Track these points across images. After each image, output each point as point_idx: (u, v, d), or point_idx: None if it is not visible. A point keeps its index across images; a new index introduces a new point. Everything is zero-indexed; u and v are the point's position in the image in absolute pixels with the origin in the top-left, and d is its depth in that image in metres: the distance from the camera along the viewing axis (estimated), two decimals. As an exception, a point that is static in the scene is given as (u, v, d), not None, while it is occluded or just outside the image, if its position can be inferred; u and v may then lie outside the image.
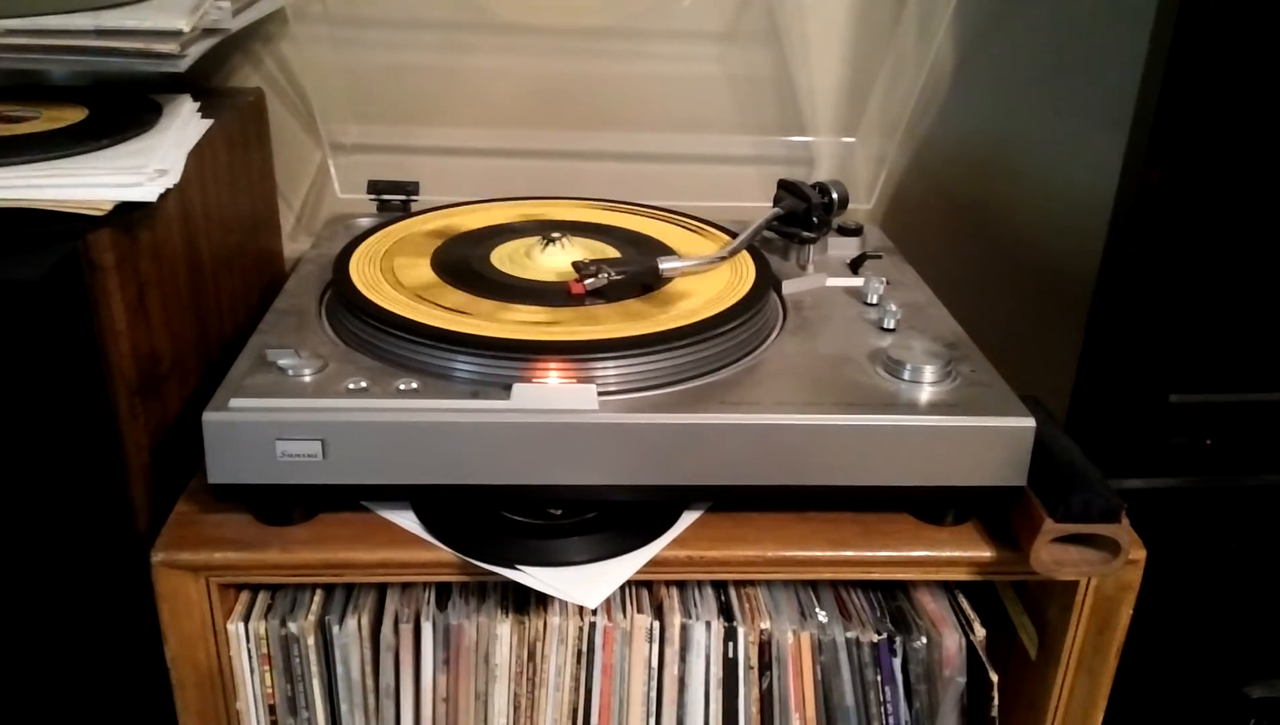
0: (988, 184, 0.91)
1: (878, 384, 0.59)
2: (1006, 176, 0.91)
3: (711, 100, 0.90)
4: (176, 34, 0.60)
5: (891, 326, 0.66)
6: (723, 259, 0.68)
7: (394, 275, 0.66)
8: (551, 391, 0.56)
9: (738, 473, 0.57)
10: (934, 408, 0.57)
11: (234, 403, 0.54)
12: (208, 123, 0.69)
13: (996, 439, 0.57)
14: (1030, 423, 0.56)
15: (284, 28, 0.85)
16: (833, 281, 0.73)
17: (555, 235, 0.69)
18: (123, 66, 0.60)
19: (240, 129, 0.80)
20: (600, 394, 0.56)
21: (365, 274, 0.66)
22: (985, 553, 0.58)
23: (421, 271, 0.67)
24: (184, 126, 0.65)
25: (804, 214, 0.74)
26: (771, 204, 0.77)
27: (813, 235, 0.73)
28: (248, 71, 0.89)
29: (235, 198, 0.77)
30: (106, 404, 0.56)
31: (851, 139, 0.91)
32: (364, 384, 0.56)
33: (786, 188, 0.76)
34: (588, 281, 0.63)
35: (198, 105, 0.70)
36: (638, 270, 0.65)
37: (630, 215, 0.79)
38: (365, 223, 0.81)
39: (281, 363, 0.57)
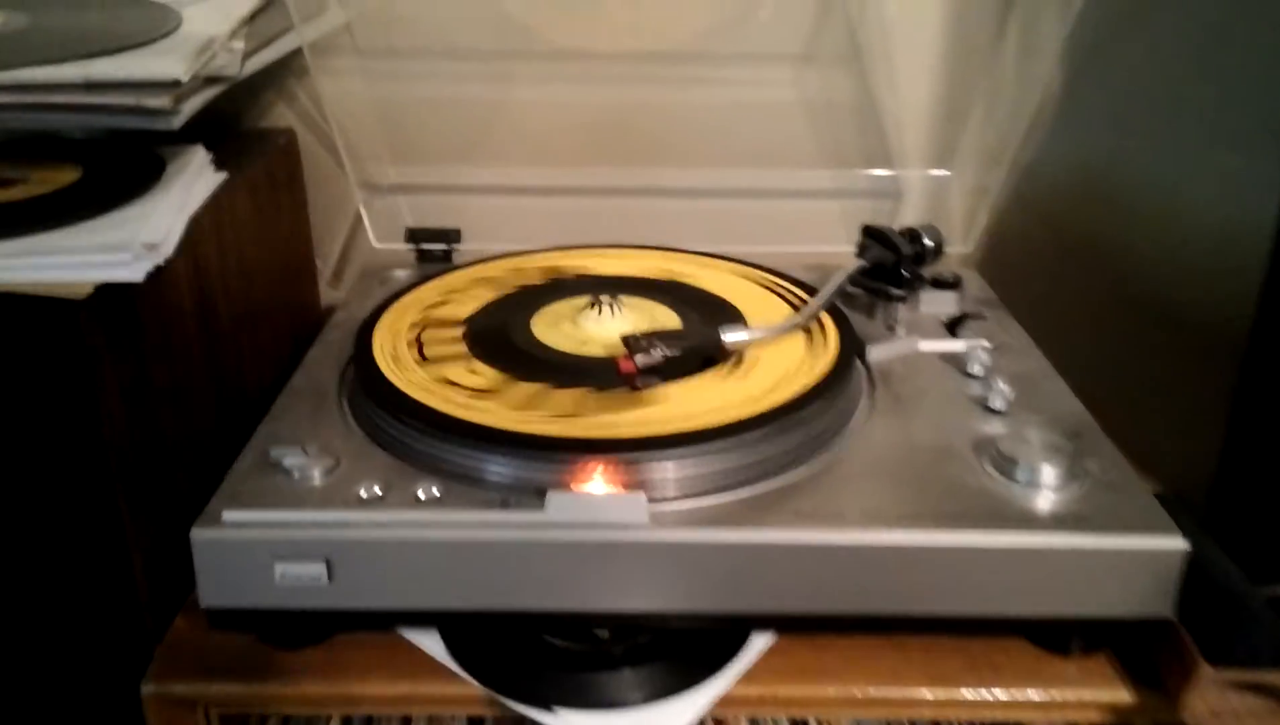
0: (1105, 221, 0.80)
1: (987, 487, 0.49)
2: (1128, 212, 0.79)
3: (785, 130, 0.81)
4: (171, 85, 0.53)
5: (1000, 407, 0.56)
6: (798, 326, 0.58)
7: (422, 348, 0.58)
8: (593, 501, 0.47)
9: (817, 598, 0.47)
10: (1058, 522, 0.47)
11: (228, 516, 0.47)
12: (220, 176, 0.62)
13: (1137, 563, 0.46)
14: (1180, 545, 0.46)
15: (323, 61, 0.78)
16: (927, 345, 0.63)
17: (604, 299, 0.60)
18: (112, 125, 0.53)
19: (267, 174, 0.73)
20: (652, 501, 0.47)
21: (390, 349, 0.58)
22: (1122, 694, 0.48)
23: (452, 343, 0.59)
24: (190, 185, 0.58)
25: (892, 267, 0.64)
26: (856, 252, 0.68)
27: (902, 293, 0.63)
28: (280, 109, 0.82)
29: (262, 249, 0.71)
30: (108, 499, 0.49)
31: (945, 172, 0.81)
32: (378, 490, 0.48)
33: (873, 236, 0.67)
34: (639, 359, 0.54)
35: (210, 156, 0.63)
36: (697, 344, 0.56)
37: (692, 265, 0.70)
38: (401, 277, 0.74)
39: (287, 463, 0.50)
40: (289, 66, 0.79)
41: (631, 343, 0.55)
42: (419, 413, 0.51)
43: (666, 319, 0.62)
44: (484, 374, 0.55)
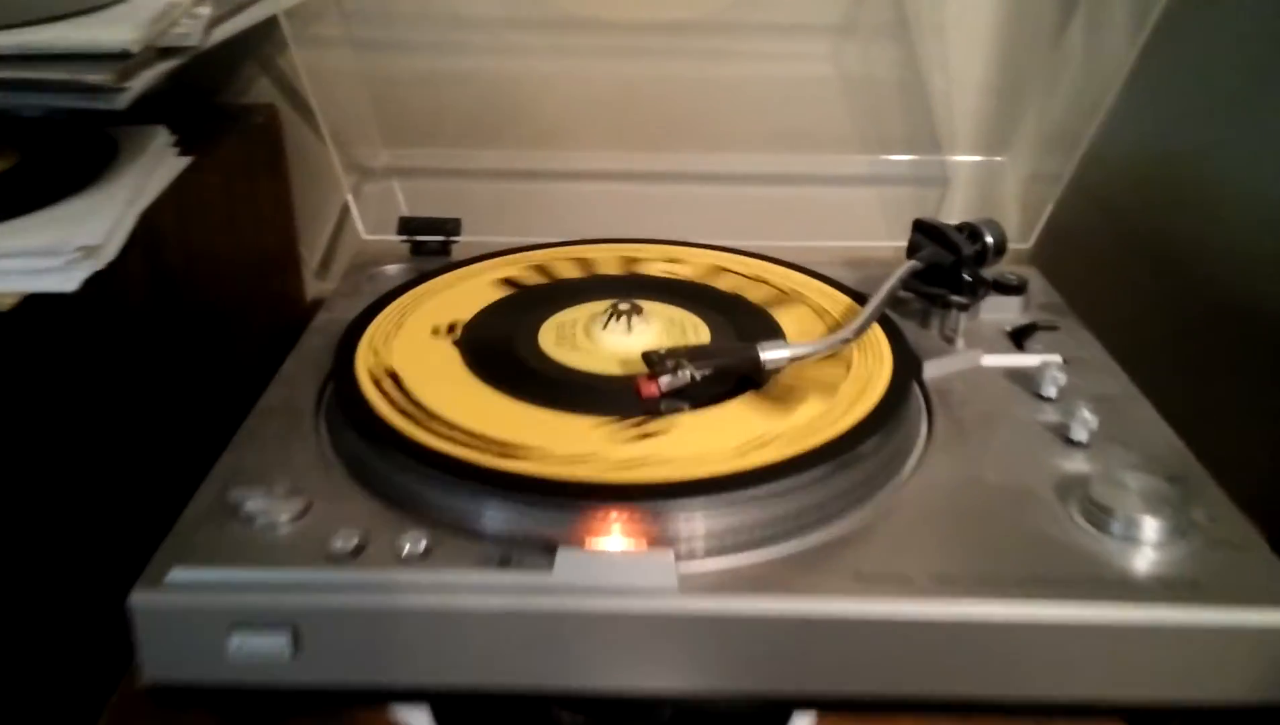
0: (1179, 217, 0.71)
1: (1077, 542, 0.42)
2: (1207, 207, 0.70)
3: (821, 110, 0.72)
4: (119, 57, 0.45)
5: (1083, 438, 0.48)
6: (846, 342, 0.50)
7: (411, 362, 0.50)
8: (611, 561, 0.40)
9: (875, 677, 0.40)
10: (1166, 589, 0.39)
11: (175, 575, 0.39)
12: (185, 161, 0.54)
13: (1262, 641, 0.39)
14: (1320, 622, 0.38)
15: (303, 29, 0.70)
16: (990, 360, 0.55)
17: (622, 307, 0.52)
18: (50, 103, 0.45)
19: (244, 155, 0.65)
20: (679, 558, 0.40)
21: (374, 364, 0.50)
22: (1235, 792, 0.40)
23: (446, 359, 0.51)
24: (146, 173, 0.50)
25: (950, 269, 0.56)
26: (906, 250, 0.60)
27: (964, 301, 0.55)
28: (263, 83, 0.74)
29: (237, 240, 0.63)
30: (41, 554, 0.42)
31: (1000, 158, 0.72)
32: (356, 541, 0.41)
33: (926, 232, 0.58)
34: (663, 381, 0.46)
35: (174, 138, 0.55)
36: (731, 363, 0.48)
37: (723, 266, 0.62)
38: (391, 273, 0.66)
39: (248, 508, 0.42)
40: (269, 35, 0.71)
41: (654, 361, 0.47)
42: (403, 446, 0.43)
43: (694, 329, 0.54)
44: (483, 396, 0.48)
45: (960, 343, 0.55)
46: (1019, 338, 0.56)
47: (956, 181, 0.74)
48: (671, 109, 0.73)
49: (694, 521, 0.41)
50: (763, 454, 0.43)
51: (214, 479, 0.45)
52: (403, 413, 0.46)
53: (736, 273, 0.61)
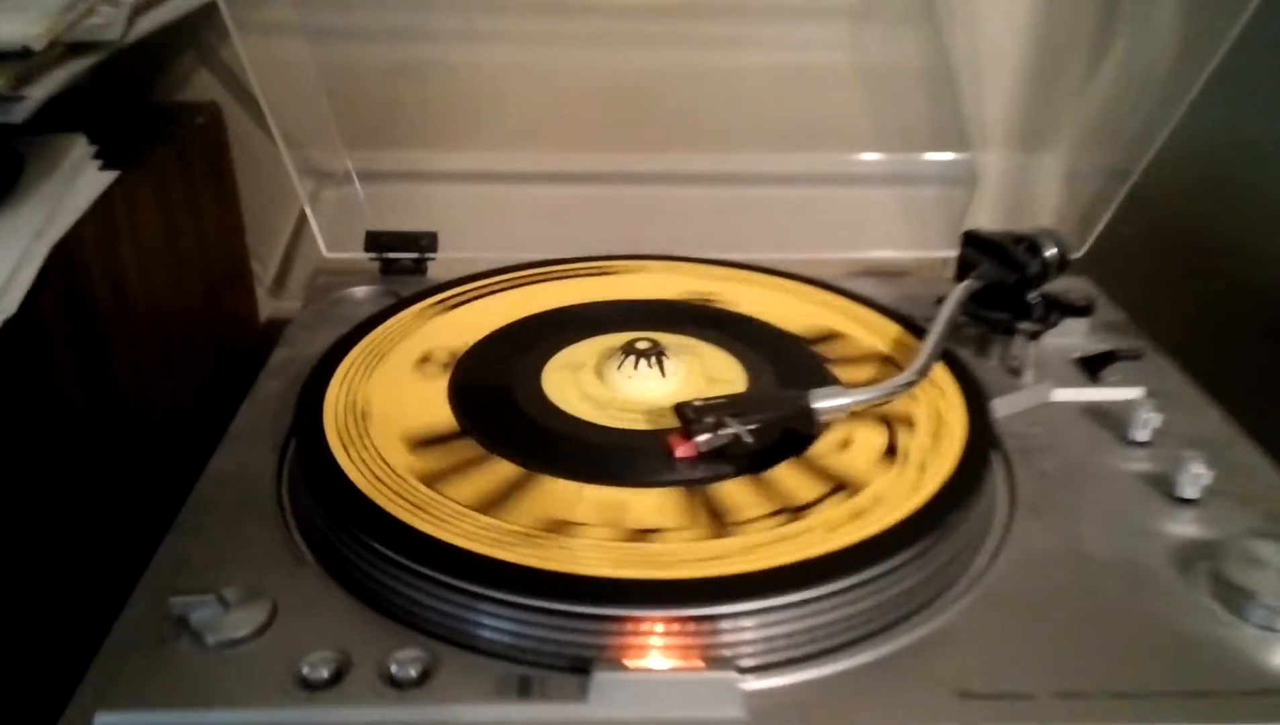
0: (1243, 226, 0.64)
1: (1217, 635, 0.34)
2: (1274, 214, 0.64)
3: (838, 103, 0.65)
4: (19, 56, 0.36)
5: (1193, 495, 0.41)
6: (910, 384, 0.42)
7: (392, 418, 0.42)
8: (659, 685, 0.32)
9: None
10: (1342, 700, 0.32)
11: (101, 721, 0.31)
12: (107, 177, 0.45)
13: None
14: None
15: (247, 16, 0.60)
16: (1062, 395, 0.47)
17: (642, 347, 0.44)
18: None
19: (181, 162, 0.56)
20: (743, 670, 0.32)
21: (348, 419, 0.41)
22: None
23: (434, 409, 0.42)
24: (58, 194, 0.41)
25: (1013, 289, 0.49)
26: (956, 269, 0.52)
27: (1035, 327, 0.47)
28: (204, 79, 0.65)
29: (175, 261, 0.54)
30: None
31: (1041, 156, 0.65)
32: (335, 665, 0.32)
33: (979, 246, 0.51)
34: (701, 440, 0.38)
35: (95, 149, 0.46)
36: (780, 417, 0.40)
37: (745, 284, 0.54)
38: (360, 296, 0.58)
39: (195, 621, 0.33)
40: (208, 22, 0.61)
41: (690, 417, 0.39)
42: (390, 534, 0.35)
43: (724, 369, 0.46)
44: (480, 462, 0.39)
45: (1028, 375, 0.48)
46: (1093, 367, 0.49)
47: (985, 181, 0.67)
48: (669, 103, 0.64)
49: (759, 628, 0.33)
50: (837, 536, 0.35)
51: (151, 578, 0.36)
52: (383, 484, 0.37)
53: (757, 290, 0.53)
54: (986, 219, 0.67)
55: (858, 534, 0.35)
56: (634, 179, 0.66)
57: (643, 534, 0.35)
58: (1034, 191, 0.67)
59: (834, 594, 0.33)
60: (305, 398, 0.43)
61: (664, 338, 0.45)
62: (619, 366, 0.44)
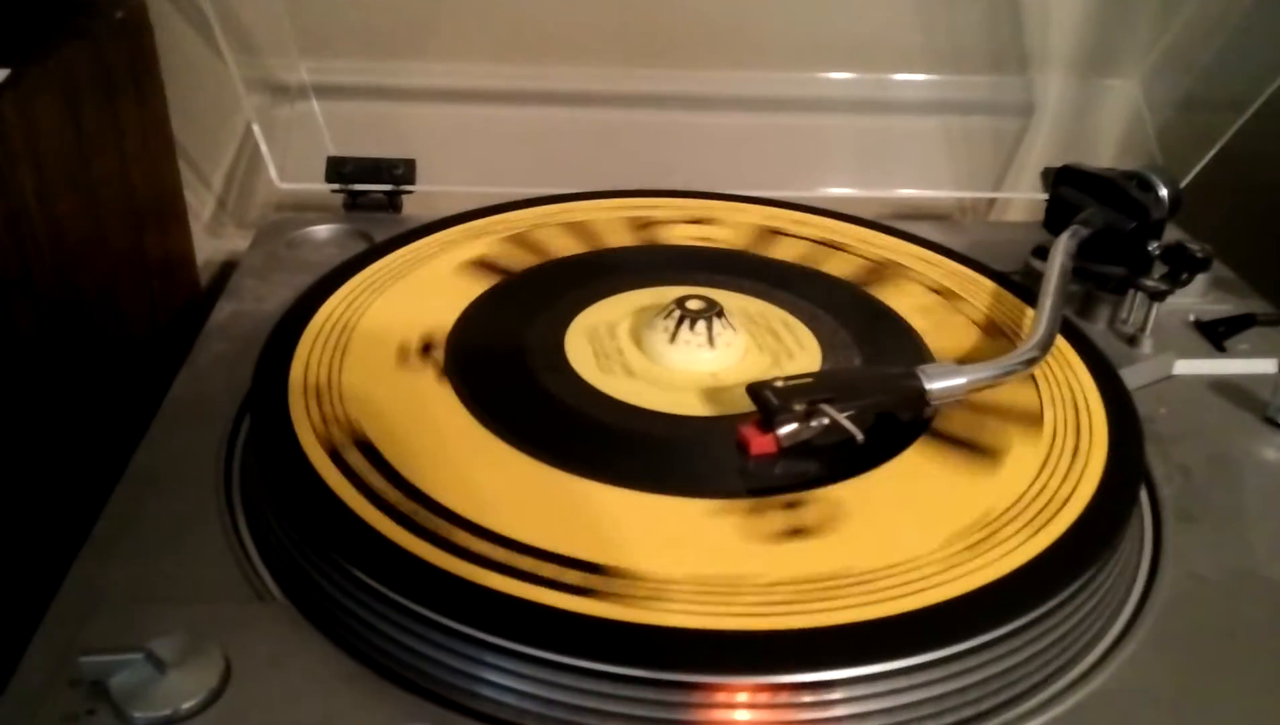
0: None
1: None
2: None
3: (877, 16, 0.55)
4: None
5: (1374, 498, 0.33)
6: (1033, 361, 0.34)
7: (380, 397, 0.32)
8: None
9: None
10: None
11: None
12: (-4, 76, 0.34)
13: None
14: None
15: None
16: (1185, 367, 0.39)
17: (695, 307, 0.35)
18: None
19: (97, 69, 0.46)
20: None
21: (322, 401, 0.32)
22: None
23: (432, 400, 0.33)
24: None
25: (1130, 237, 0.40)
26: (1047, 214, 0.44)
27: (1162, 285, 0.39)
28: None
29: (88, 189, 0.44)
30: None
31: (1118, 81, 0.56)
32: (312, 750, 0.23)
33: (1081, 184, 0.42)
34: (785, 432, 0.29)
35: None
36: (885, 400, 0.31)
37: (778, 227, 0.45)
38: (322, 237, 0.48)
39: (116, 689, 0.24)
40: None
41: (768, 399, 0.30)
42: (384, 562, 0.26)
43: (789, 334, 0.37)
44: (495, 458, 0.30)
45: (1147, 343, 0.40)
46: (1217, 333, 0.41)
47: (1043, 113, 0.59)
48: (684, 12, 0.55)
49: (897, 694, 0.24)
50: (999, 558, 0.26)
51: (54, 623, 0.27)
52: (385, 507, 0.28)
53: (802, 238, 0.44)
54: (1041, 157, 0.59)
55: (994, 568, 0.26)
56: (640, 101, 0.57)
57: (712, 565, 0.26)
58: (1097, 121, 0.58)
59: (972, 651, 0.25)
60: (265, 370, 0.33)
61: (714, 295, 0.36)
62: (669, 335, 0.34)
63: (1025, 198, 0.59)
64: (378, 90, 0.53)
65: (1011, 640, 0.25)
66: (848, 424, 0.29)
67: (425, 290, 0.38)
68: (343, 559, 0.26)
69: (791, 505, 0.28)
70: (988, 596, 0.25)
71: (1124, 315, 0.40)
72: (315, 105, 0.53)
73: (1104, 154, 0.58)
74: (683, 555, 0.26)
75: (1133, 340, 0.40)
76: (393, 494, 0.28)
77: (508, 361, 0.34)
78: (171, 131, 0.55)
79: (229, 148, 0.58)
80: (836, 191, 0.57)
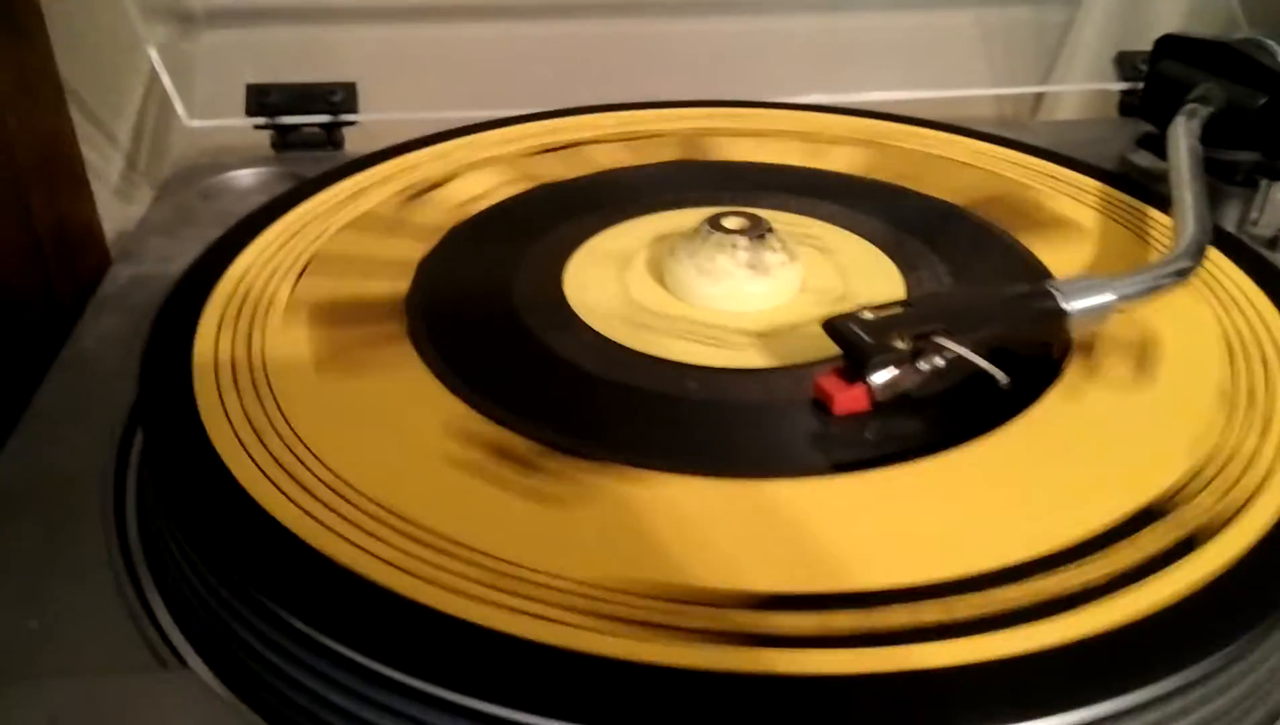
0: None
1: None
2: None
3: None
4: None
5: None
6: (1186, 271, 0.26)
7: (325, 379, 0.23)
8: None
9: None
10: None
11: None
12: None
13: None
14: None
15: None
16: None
17: (734, 226, 0.26)
18: None
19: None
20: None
21: (238, 396, 0.23)
22: None
23: (389, 360, 0.24)
24: None
25: (1262, 114, 0.32)
26: (1144, 93, 0.36)
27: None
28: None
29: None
30: None
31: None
32: None
33: (1185, 56, 0.34)
34: (879, 380, 0.21)
35: None
36: (1008, 329, 0.23)
37: (815, 133, 0.37)
38: (246, 184, 0.39)
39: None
40: None
41: (858, 338, 0.22)
42: (328, 610, 0.17)
43: (859, 260, 0.28)
44: (487, 441, 0.21)
45: (1285, 247, 0.32)
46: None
47: (1092, 3, 0.51)
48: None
49: None
50: (1160, 580, 0.18)
51: None
52: (334, 514, 0.19)
53: (848, 142, 0.36)
54: (1090, 53, 0.51)
55: (1197, 570, 0.18)
56: (619, 8, 0.48)
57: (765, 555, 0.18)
58: (1157, 12, 0.51)
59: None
60: (158, 349, 0.24)
61: (763, 213, 0.28)
62: (700, 256, 0.26)
63: (1094, 89, 0.51)
64: (305, 11, 0.44)
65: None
66: (981, 362, 0.21)
67: (377, 233, 0.30)
68: (280, 608, 0.17)
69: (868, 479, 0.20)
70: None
71: (1254, 214, 0.32)
72: (228, 29, 0.44)
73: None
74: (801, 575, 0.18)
75: (1273, 242, 0.32)
76: (349, 512, 0.19)
77: (496, 320, 0.26)
78: (58, 72, 0.46)
79: (134, 94, 0.49)
80: (867, 96, 0.48)
